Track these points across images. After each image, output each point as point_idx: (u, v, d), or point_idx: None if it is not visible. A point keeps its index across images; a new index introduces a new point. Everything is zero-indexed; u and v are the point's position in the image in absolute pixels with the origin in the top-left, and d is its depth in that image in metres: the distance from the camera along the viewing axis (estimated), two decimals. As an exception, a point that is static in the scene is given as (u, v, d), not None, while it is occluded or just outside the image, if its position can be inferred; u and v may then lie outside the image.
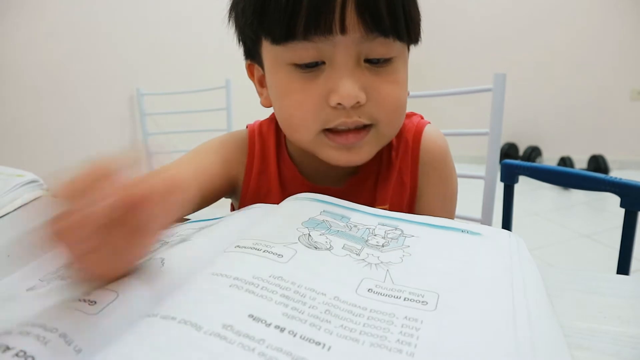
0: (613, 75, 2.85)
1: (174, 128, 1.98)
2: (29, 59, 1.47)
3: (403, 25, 0.41)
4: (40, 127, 1.52)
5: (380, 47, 0.41)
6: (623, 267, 0.66)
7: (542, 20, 2.97)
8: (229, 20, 0.47)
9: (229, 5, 0.46)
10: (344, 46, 0.40)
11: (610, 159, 2.76)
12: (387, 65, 0.42)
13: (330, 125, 0.42)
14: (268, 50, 0.43)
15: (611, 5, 2.77)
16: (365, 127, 0.43)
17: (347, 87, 0.40)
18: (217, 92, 1.80)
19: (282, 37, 0.40)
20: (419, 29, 0.45)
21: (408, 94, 0.50)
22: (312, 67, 0.41)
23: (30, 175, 0.69)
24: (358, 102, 0.41)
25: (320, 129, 0.43)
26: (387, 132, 0.45)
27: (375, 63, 0.42)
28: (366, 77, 0.41)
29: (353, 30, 0.39)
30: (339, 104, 0.41)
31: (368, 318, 0.23)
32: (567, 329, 0.25)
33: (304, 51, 0.40)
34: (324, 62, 0.41)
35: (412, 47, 0.47)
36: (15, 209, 0.60)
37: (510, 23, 3.06)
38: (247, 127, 0.57)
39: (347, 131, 0.43)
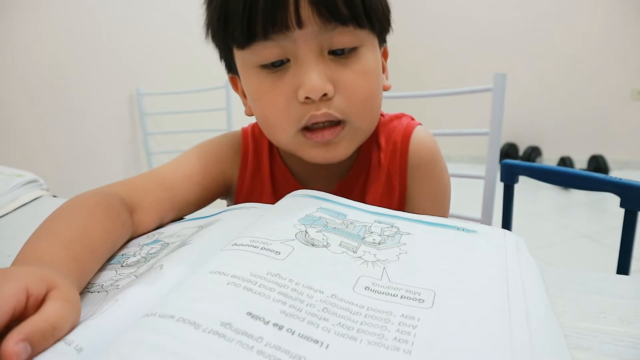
0: (613, 75, 2.84)
1: (173, 128, 1.98)
2: (28, 59, 1.46)
3: (362, 12, 0.40)
4: (40, 127, 1.52)
5: (342, 36, 0.40)
6: (623, 267, 0.66)
7: (542, 20, 2.96)
8: (206, 36, 0.47)
9: (205, 22, 0.46)
10: (304, 40, 0.40)
11: (610, 159, 2.76)
12: (353, 55, 0.42)
13: (303, 122, 0.42)
14: (238, 57, 0.44)
15: (612, 6, 2.77)
16: (340, 123, 0.43)
17: (312, 79, 0.40)
18: (216, 92, 1.80)
19: (244, 39, 0.40)
20: (385, 15, 0.45)
21: (388, 87, 0.49)
22: (279, 66, 0.42)
23: (30, 175, 0.69)
24: (325, 95, 0.41)
25: (296, 128, 0.43)
26: (361, 126, 0.45)
27: (340, 54, 0.41)
28: (332, 68, 0.41)
29: (310, 23, 0.39)
30: (307, 97, 0.41)
31: (365, 316, 0.23)
32: (567, 329, 0.25)
33: (267, 51, 0.41)
34: (289, 60, 0.41)
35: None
36: (15, 209, 0.60)
37: (511, 23, 3.06)
38: (241, 129, 0.57)
39: (323, 128, 0.43)
